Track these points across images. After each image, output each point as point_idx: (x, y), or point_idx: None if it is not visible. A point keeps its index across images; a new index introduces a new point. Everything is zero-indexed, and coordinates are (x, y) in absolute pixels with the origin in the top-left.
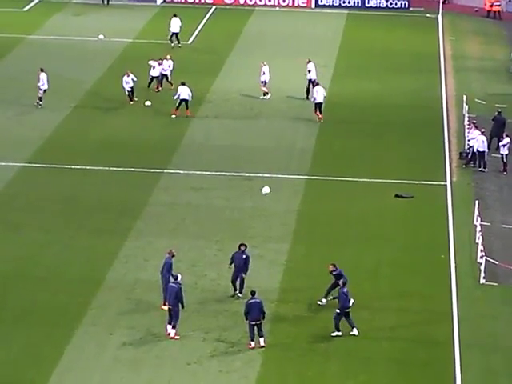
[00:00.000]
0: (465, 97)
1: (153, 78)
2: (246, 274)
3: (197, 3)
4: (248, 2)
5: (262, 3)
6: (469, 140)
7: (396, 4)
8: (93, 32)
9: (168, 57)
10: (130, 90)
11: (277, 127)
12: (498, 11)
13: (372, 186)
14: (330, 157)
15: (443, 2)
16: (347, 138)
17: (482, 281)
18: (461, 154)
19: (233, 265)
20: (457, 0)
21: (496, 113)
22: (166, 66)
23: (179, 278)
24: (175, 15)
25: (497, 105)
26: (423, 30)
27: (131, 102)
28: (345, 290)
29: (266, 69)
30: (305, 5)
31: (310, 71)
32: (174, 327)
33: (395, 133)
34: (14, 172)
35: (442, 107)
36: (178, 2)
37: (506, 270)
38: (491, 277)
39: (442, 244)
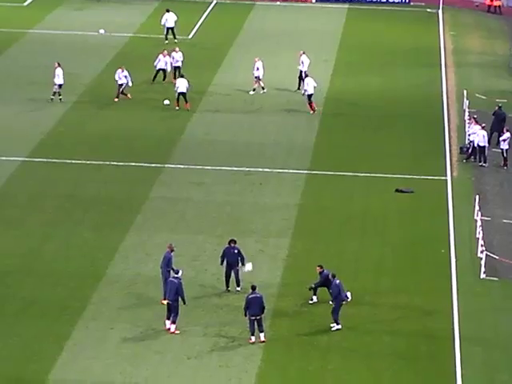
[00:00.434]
0: (465, 91)
1: (158, 71)
2: (244, 264)
3: None
4: None
5: None
6: (469, 135)
7: None
8: (93, 27)
9: (177, 49)
10: (120, 85)
11: (277, 122)
12: (499, 6)
13: (372, 180)
14: (330, 151)
15: None
16: (348, 132)
17: (483, 276)
18: (461, 148)
19: (225, 262)
20: None
21: (496, 107)
22: (178, 58)
23: (180, 273)
24: (168, 10)
25: (497, 99)
26: (424, 25)
27: (116, 99)
28: (337, 281)
29: (259, 64)
30: None
31: (303, 63)
32: (173, 322)
33: (396, 127)
34: (14, 167)
35: (442, 102)
36: None
37: (507, 264)
38: (491, 272)
39: (443, 239)
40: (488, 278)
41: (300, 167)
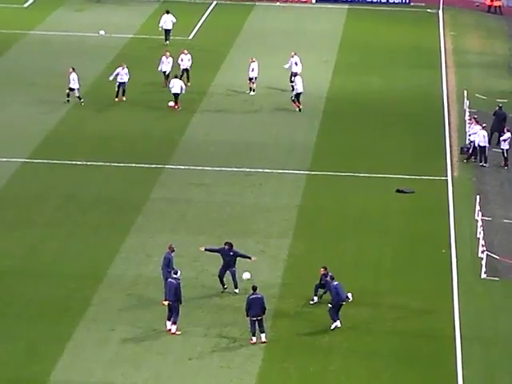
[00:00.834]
0: (466, 92)
1: (164, 73)
2: (250, 258)
3: None
4: None
5: None
6: (470, 135)
7: None
8: (94, 28)
9: (185, 51)
10: (121, 83)
11: (278, 122)
12: (499, 6)
13: (373, 180)
14: (330, 152)
15: None
16: (348, 132)
17: (483, 275)
18: (462, 148)
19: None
20: None
21: (497, 107)
22: (186, 60)
23: (178, 274)
24: (167, 12)
25: (498, 99)
26: (424, 25)
27: (116, 99)
28: (335, 283)
29: (255, 65)
30: (305, 0)
31: (296, 64)
32: (174, 323)
33: (396, 128)
34: (14, 168)
35: (442, 102)
36: None
37: (507, 264)
38: (492, 271)
39: (443, 239)
40: (489, 277)
41: (300, 167)
